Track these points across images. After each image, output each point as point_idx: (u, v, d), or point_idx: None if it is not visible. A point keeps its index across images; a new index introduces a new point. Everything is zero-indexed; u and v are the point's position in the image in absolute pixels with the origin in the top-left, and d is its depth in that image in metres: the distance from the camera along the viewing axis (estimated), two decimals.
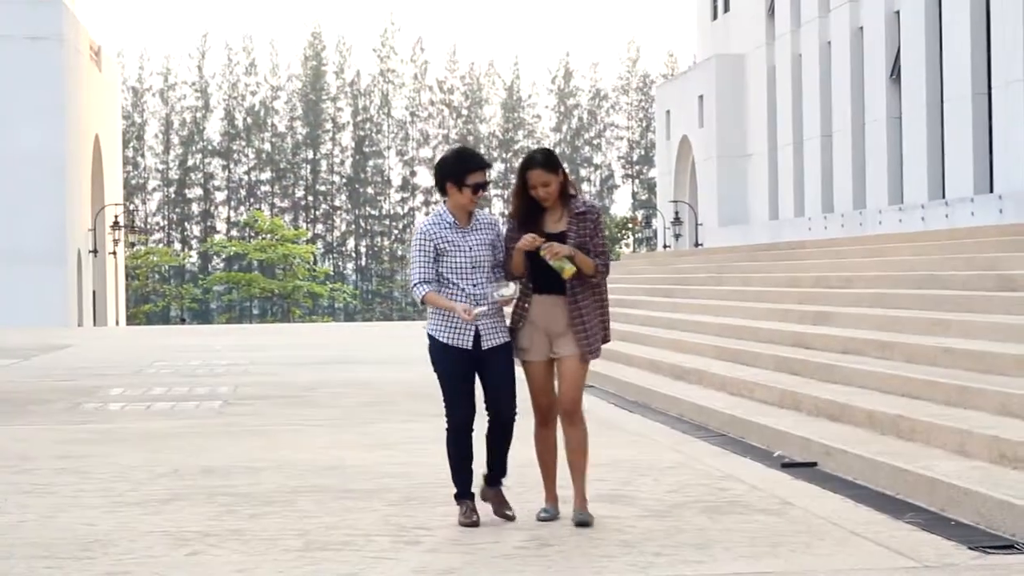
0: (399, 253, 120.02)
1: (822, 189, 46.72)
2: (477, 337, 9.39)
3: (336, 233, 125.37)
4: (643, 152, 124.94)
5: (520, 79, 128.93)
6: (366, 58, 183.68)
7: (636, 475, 11.73)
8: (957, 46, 35.71)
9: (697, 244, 62.08)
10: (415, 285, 9.47)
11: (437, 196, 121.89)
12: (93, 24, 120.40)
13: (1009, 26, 32.84)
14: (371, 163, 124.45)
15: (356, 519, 9.87)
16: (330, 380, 22.74)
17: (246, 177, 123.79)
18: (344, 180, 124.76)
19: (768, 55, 52.91)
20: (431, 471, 11.54)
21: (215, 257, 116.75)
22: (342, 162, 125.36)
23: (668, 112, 67.08)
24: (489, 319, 9.40)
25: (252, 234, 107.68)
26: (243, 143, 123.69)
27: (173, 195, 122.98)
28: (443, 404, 9.55)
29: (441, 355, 9.46)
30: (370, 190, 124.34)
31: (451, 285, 9.38)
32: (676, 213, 67.38)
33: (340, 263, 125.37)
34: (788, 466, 12.47)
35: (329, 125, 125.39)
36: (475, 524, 9.40)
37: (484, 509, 9.57)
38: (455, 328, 9.40)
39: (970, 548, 8.72)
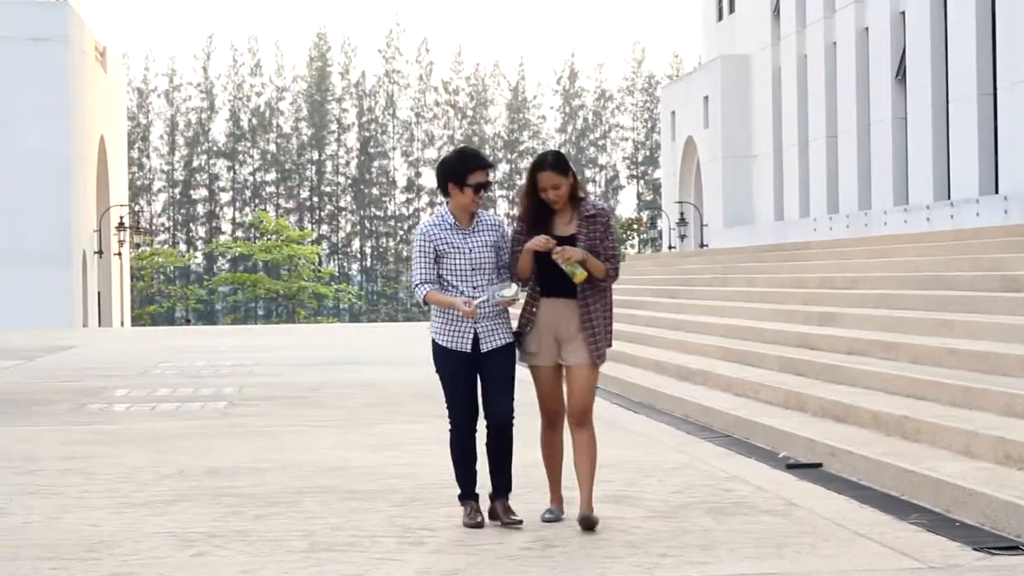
0: (404, 254, 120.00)
1: (827, 190, 46.70)
2: (476, 340, 9.36)
3: (341, 234, 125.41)
4: (648, 153, 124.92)
5: (525, 80, 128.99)
6: (371, 59, 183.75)
7: (641, 476, 11.73)
8: (962, 47, 35.69)
9: (702, 245, 62.08)
10: (416, 286, 9.46)
11: (442, 197, 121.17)
12: (98, 25, 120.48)
13: (1015, 27, 32.83)
14: (376, 164, 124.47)
15: (361, 520, 9.87)
16: (335, 381, 22.74)
17: (251, 178, 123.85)
18: (349, 181, 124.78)
19: (773, 56, 52.90)
20: (436, 472, 11.54)
21: (220, 258, 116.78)
22: (347, 163, 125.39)
23: (673, 113, 67.08)
24: (489, 321, 9.37)
25: (257, 235, 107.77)
26: (248, 144, 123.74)
27: (178, 196, 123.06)
28: (445, 406, 9.55)
29: (442, 358, 9.45)
30: (375, 191, 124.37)
31: (451, 287, 9.35)
32: (681, 214, 67.37)
33: (345, 264, 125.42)
34: (793, 467, 12.47)
35: (334, 126, 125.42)
36: (479, 525, 9.40)
37: (488, 508, 9.53)
38: (454, 331, 9.37)
39: (975, 549, 8.72)
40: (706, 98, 60.24)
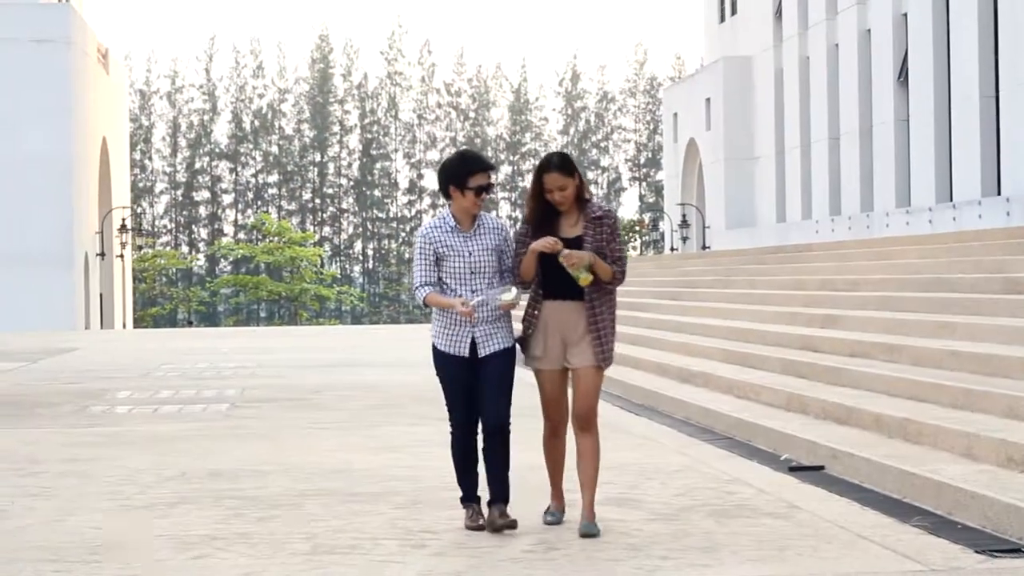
0: (406, 256, 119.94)
1: (829, 192, 46.69)
2: (474, 345, 9.32)
3: (343, 236, 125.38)
4: (650, 155, 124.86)
5: (527, 82, 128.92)
6: (373, 61, 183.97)
7: (643, 478, 11.74)
8: (965, 49, 35.69)
9: (704, 247, 62.06)
10: (416, 288, 9.43)
11: (444, 199, 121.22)
12: (100, 27, 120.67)
13: (1017, 29, 32.82)
14: (378, 166, 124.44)
15: (363, 522, 9.88)
16: (337, 383, 22.74)
17: (253, 180, 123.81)
18: (351, 183, 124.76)
19: (775, 58, 52.89)
20: (437, 474, 11.53)
21: (222, 260, 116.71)
22: (349, 165, 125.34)
23: (675, 115, 67.07)
24: (487, 325, 9.31)
25: (259, 237, 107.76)
26: (250, 146, 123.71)
27: (180, 198, 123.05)
28: (446, 409, 9.55)
29: (441, 362, 9.43)
30: (377, 193, 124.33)
31: (450, 291, 9.31)
32: (683, 216, 67.36)
33: (347, 266, 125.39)
34: (795, 469, 12.47)
35: (336, 128, 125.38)
36: (481, 528, 9.39)
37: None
38: (452, 336, 9.33)
39: (977, 552, 8.72)
40: (708, 100, 60.23)
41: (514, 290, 9.26)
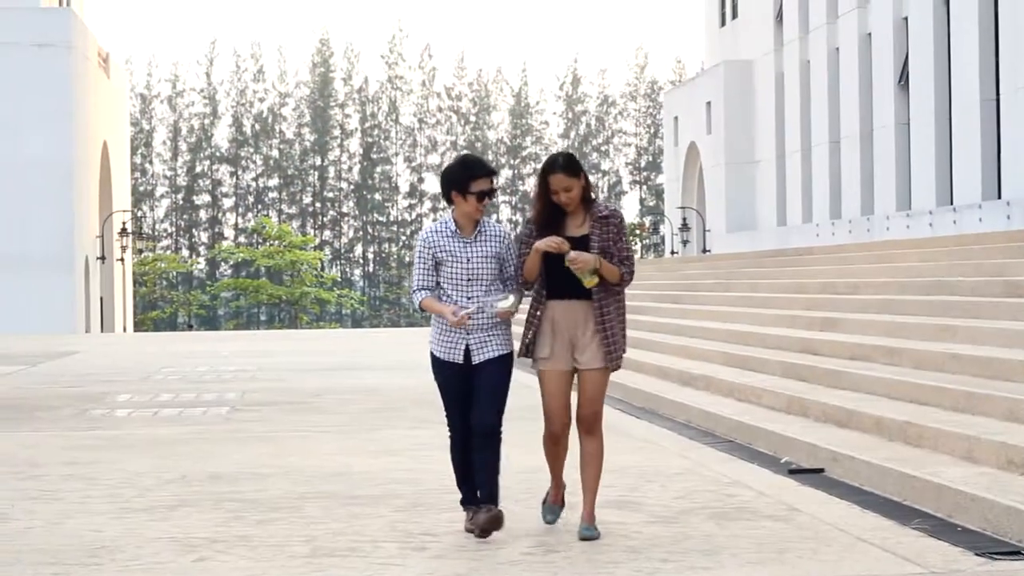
0: (407, 259, 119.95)
1: (830, 195, 46.69)
2: (468, 351, 9.27)
3: (344, 239, 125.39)
4: (651, 158, 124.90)
5: (528, 85, 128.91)
6: (374, 64, 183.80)
7: (643, 481, 11.74)
8: (965, 52, 35.69)
9: (705, 250, 62.07)
10: (413, 292, 9.41)
11: (445, 203, 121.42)
12: (101, 31, 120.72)
13: (1017, 32, 32.83)
14: (379, 169, 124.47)
15: (363, 525, 9.88)
16: (337, 386, 22.75)
17: (254, 184, 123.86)
18: (352, 186, 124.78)
19: (776, 61, 52.90)
20: (437, 477, 11.53)
21: (223, 263, 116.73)
22: (350, 168, 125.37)
23: (676, 118, 67.08)
24: (482, 332, 9.26)
25: (260, 240, 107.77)
26: (251, 150, 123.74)
27: (181, 202, 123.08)
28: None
29: (437, 368, 9.41)
30: (378, 196, 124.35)
31: (446, 296, 9.29)
32: (684, 219, 67.37)
33: (347, 269, 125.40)
34: (795, 472, 12.47)
35: (337, 131, 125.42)
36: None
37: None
38: (447, 342, 9.30)
39: (977, 555, 8.72)
40: (709, 104, 60.24)
41: (511, 298, 9.20)
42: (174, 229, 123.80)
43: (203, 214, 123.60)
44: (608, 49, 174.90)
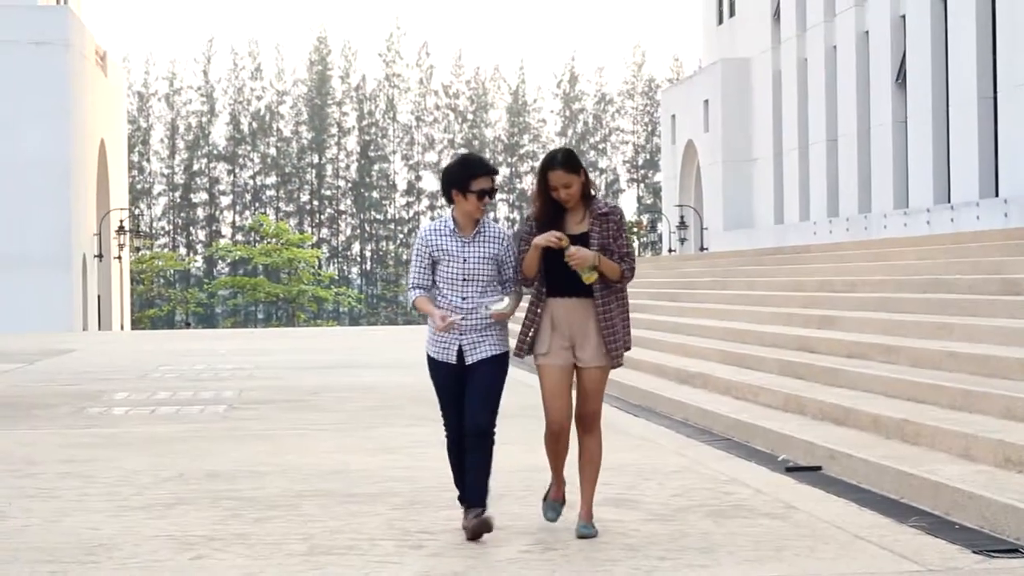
0: (404, 258, 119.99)
1: (827, 193, 46.71)
2: (461, 352, 9.22)
3: (341, 237, 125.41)
4: (648, 156, 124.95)
5: (525, 83, 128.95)
6: (372, 63, 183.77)
7: (641, 479, 11.74)
8: (963, 50, 35.71)
9: (702, 248, 62.10)
10: (409, 290, 9.39)
11: (442, 201, 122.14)
12: (99, 29, 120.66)
13: (1015, 30, 32.84)
14: (376, 167, 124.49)
15: (360, 523, 9.87)
16: (335, 384, 22.74)
17: (251, 182, 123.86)
18: (349, 184, 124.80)
19: (774, 59, 52.91)
20: (435, 475, 11.53)
21: (220, 261, 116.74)
22: (347, 166, 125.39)
23: (673, 116, 67.09)
24: (475, 333, 9.19)
25: (257, 238, 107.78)
26: (248, 148, 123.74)
27: (178, 200, 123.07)
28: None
29: (432, 368, 9.37)
30: (375, 194, 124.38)
31: (441, 295, 9.24)
32: (681, 217, 67.38)
33: (345, 267, 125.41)
34: (792, 470, 12.47)
35: (334, 130, 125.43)
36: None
37: (491, 511, 9.41)
38: (440, 342, 9.25)
39: (974, 552, 8.72)
40: (706, 102, 60.26)
41: (506, 300, 9.15)
42: (171, 227, 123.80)
43: (200, 212, 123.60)
44: (606, 47, 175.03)
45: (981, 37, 34.79)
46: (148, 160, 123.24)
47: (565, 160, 9.10)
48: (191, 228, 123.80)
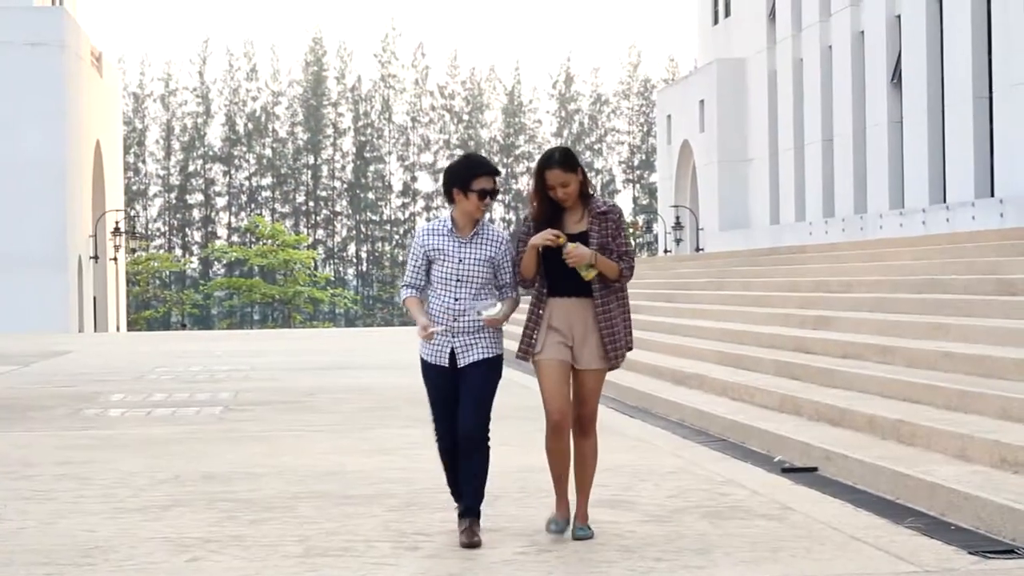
0: (400, 258, 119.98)
1: (823, 193, 46.74)
2: (453, 355, 9.15)
3: (337, 238, 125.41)
4: (644, 157, 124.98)
5: (521, 84, 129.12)
6: (367, 63, 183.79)
7: (637, 480, 11.74)
8: (958, 50, 35.72)
9: (698, 249, 62.09)
10: (401, 287, 9.37)
11: (438, 201, 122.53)
12: (94, 30, 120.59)
13: (1010, 30, 32.86)
14: (372, 168, 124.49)
15: (356, 525, 9.87)
16: (331, 386, 22.74)
17: (247, 182, 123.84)
18: (345, 185, 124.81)
19: (769, 59, 52.93)
20: (431, 477, 11.52)
21: (216, 263, 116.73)
22: (343, 167, 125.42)
23: (669, 117, 67.10)
24: (467, 336, 9.11)
25: (253, 240, 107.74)
26: (244, 148, 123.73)
27: (174, 201, 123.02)
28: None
29: (425, 371, 9.30)
30: (371, 195, 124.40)
31: (434, 295, 9.18)
32: (677, 218, 67.38)
33: (341, 268, 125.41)
34: (788, 471, 12.47)
35: (330, 130, 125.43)
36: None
37: (487, 512, 9.42)
38: (433, 346, 9.18)
39: (970, 553, 8.72)
40: (702, 102, 60.27)
41: (499, 306, 9.06)
42: (167, 228, 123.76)
43: (196, 213, 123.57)
44: (601, 47, 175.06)
45: (976, 37, 34.81)
46: (144, 161, 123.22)
47: (562, 159, 9.03)
48: (187, 229, 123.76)
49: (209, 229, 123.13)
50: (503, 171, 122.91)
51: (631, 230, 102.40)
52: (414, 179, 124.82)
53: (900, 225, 36.51)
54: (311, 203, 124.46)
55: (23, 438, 15.79)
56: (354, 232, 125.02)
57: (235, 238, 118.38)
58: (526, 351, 9.15)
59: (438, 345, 9.16)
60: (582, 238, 9.01)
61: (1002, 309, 17.30)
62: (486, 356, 9.14)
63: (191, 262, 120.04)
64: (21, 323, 55.91)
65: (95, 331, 66.78)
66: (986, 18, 34.51)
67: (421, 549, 9.01)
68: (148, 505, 10.84)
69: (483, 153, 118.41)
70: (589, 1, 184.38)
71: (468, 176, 9.12)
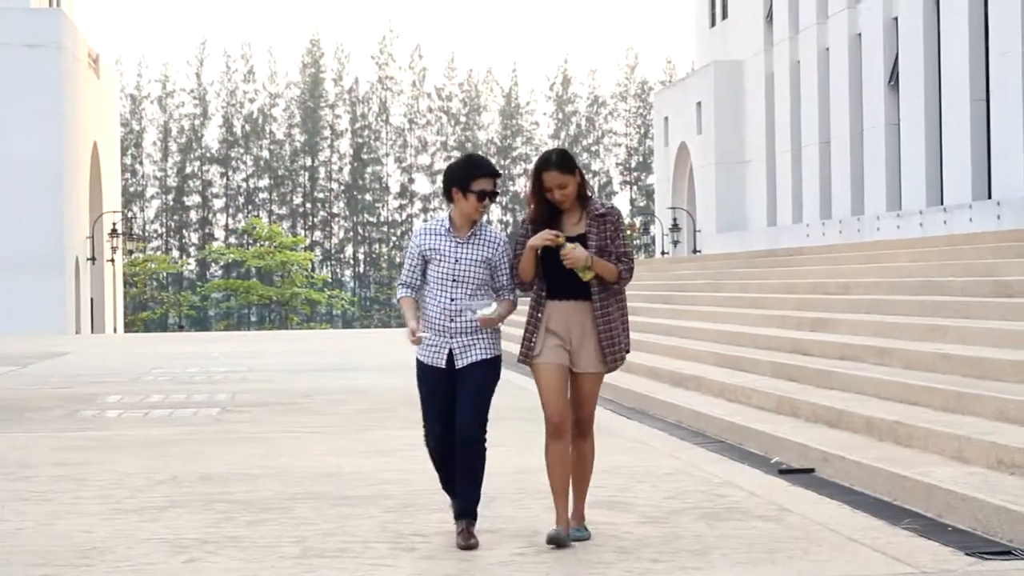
0: (397, 260, 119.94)
1: (820, 195, 46.74)
2: (451, 356, 9.08)
3: (334, 240, 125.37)
4: (641, 159, 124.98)
5: (518, 86, 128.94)
6: (364, 65, 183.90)
7: (634, 481, 11.74)
8: (955, 52, 35.73)
9: (695, 251, 62.09)
10: (398, 286, 9.35)
11: (436, 203, 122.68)
12: (91, 32, 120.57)
13: (1007, 32, 32.86)
14: (369, 170, 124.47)
15: (353, 526, 9.87)
16: (328, 387, 22.73)
17: (244, 184, 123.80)
18: (342, 187, 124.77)
19: (766, 62, 52.94)
20: (428, 478, 11.48)
21: (213, 264, 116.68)
22: (340, 169, 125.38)
23: (666, 119, 67.10)
24: (465, 337, 9.05)
25: (250, 241, 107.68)
26: (241, 150, 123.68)
27: (171, 202, 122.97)
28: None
29: (421, 372, 9.23)
30: (368, 197, 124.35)
31: (429, 295, 9.12)
32: (674, 220, 67.39)
33: (338, 270, 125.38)
34: (785, 472, 12.48)
35: (327, 132, 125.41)
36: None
37: (484, 513, 9.44)
38: (431, 346, 9.11)
39: (967, 554, 8.72)
40: (699, 104, 60.28)
41: (494, 306, 8.99)
42: (164, 230, 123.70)
43: (193, 215, 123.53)
44: (598, 49, 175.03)
45: (974, 39, 34.82)
46: (141, 163, 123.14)
47: (560, 160, 8.95)
48: (184, 231, 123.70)
49: (206, 231, 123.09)
50: (500, 173, 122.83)
51: (628, 232, 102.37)
52: (411, 181, 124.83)
53: (897, 227, 36.51)
54: (308, 205, 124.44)
55: (20, 439, 15.79)
56: (351, 234, 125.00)
57: (232, 240, 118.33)
58: (526, 354, 9.08)
59: (436, 346, 9.11)
60: (581, 240, 8.92)
61: (999, 311, 17.30)
62: (485, 357, 9.10)
63: (188, 264, 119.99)
64: (18, 324, 55.90)
65: (92, 333, 66.76)
66: (983, 20, 34.51)
67: (418, 550, 9.01)
68: (145, 506, 10.84)
69: (481, 155, 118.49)
70: (586, 3, 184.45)
71: (468, 176, 9.06)
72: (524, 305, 9.44)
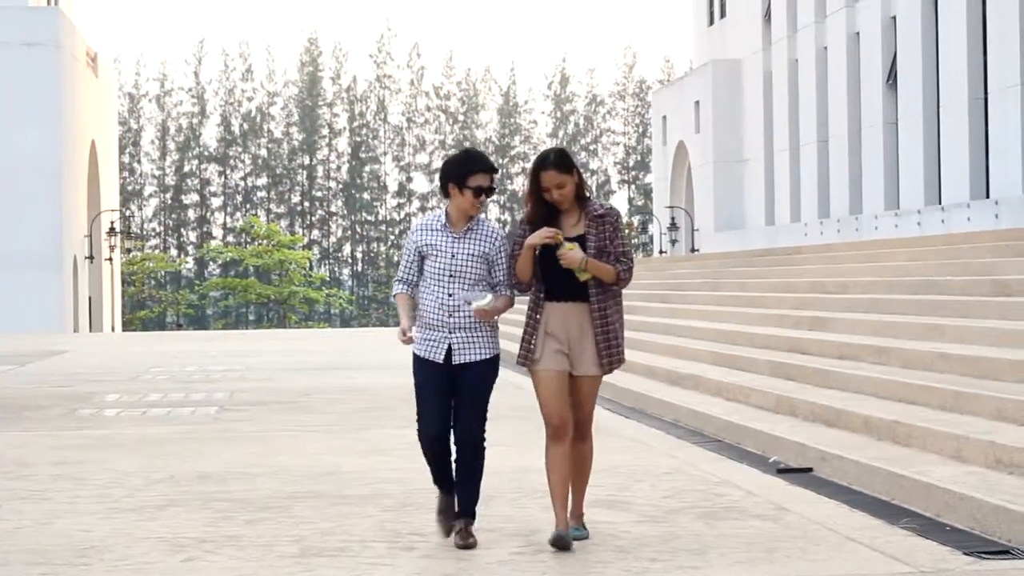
0: (395, 259, 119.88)
1: (818, 194, 46.75)
2: (449, 351, 9.02)
3: (332, 239, 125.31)
4: (639, 158, 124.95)
5: (516, 85, 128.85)
6: (362, 64, 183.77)
7: (632, 481, 11.74)
8: (953, 52, 35.75)
9: (693, 250, 62.09)
10: (395, 282, 9.32)
11: (434, 202, 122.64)
12: (90, 30, 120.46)
13: (1005, 32, 32.89)
14: (367, 169, 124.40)
15: (352, 525, 9.87)
16: (326, 386, 22.72)
17: (242, 183, 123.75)
18: (340, 186, 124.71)
19: (765, 60, 52.94)
20: (426, 477, 11.44)
21: (211, 263, 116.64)
22: (338, 168, 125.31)
23: (664, 117, 67.10)
24: (465, 332, 8.98)
25: (248, 240, 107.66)
26: (239, 149, 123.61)
27: (169, 201, 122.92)
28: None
29: (417, 367, 9.16)
30: (366, 196, 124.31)
31: (426, 290, 9.06)
32: (672, 219, 67.39)
33: (336, 269, 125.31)
34: (784, 471, 12.48)
35: (325, 131, 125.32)
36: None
37: (482, 512, 9.43)
38: (429, 340, 9.05)
39: (965, 554, 8.73)
40: (697, 103, 60.28)
41: (489, 297, 8.90)
42: (162, 228, 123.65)
43: (191, 213, 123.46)
44: (596, 48, 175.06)
45: (972, 38, 34.84)
46: (139, 161, 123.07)
47: (558, 160, 8.86)
48: (182, 229, 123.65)
49: (204, 229, 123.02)
50: (498, 172, 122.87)
51: (626, 231, 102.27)
52: (409, 179, 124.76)
53: (895, 226, 36.53)
54: (306, 203, 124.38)
55: (18, 438, 15.78)
56: (349, 232, 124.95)
57: (230, 238, 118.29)
58: (526, 357, 9.01)
59: (434, 340, 9.05)
60: (579, 241, 8.84)
61: (997, 310, 17.31)
62: (484, 356, 9.04)
63: (186, 262, 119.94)
64: (16, 323, 55.88)
65: (90, 331, 66.76)
66: (981, 20, 34.53)
67: (416, 549, 9.01)
68: (143, 505, 10.84)
69: (478, 150, 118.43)
70: (584, 2, 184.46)
71: (465, 172, 8.99)
72: (522, 305, 9.43)
